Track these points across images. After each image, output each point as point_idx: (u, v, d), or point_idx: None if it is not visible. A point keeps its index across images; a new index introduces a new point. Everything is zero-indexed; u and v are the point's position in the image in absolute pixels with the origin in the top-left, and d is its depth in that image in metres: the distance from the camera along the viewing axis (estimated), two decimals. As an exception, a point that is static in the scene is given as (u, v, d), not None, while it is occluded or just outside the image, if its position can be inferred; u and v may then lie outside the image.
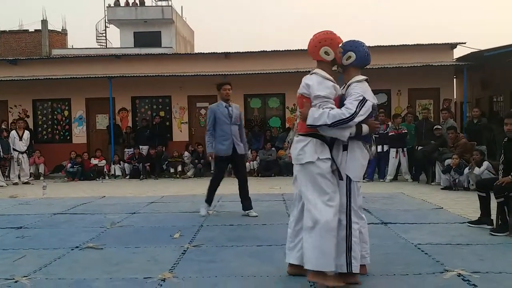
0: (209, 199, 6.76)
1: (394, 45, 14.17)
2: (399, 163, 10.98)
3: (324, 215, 3.41)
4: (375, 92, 13.35)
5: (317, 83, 3.53)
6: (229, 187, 10.23)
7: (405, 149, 10.88)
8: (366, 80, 3.69)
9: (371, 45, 12.83)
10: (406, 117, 11.87)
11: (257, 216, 6.44)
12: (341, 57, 3.68)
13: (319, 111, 3.43)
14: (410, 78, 13.78)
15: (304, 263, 3.50)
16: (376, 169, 11.25)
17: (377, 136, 11.02)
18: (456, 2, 67.77)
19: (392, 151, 10.88)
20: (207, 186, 6.81)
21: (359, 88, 3.56)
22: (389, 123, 11.24)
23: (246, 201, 6.65)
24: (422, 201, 7.70)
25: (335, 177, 3.55)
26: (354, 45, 3.70)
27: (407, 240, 4.93)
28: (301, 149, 3.57)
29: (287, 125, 14.09)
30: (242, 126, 6.89)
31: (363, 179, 11.10)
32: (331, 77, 3.62)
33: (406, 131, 10.86)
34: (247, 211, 6.60)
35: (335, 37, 3.65)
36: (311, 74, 3.65)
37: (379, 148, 10.97)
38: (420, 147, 10.62)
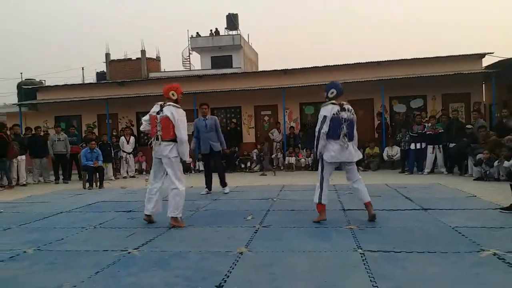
0: (207, 184, 7.90)
1: (429, 57, 13.49)
2: (435, 158, 10.47)
3: None
4: (413, 97, 12.80)
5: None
6: (291, 179, 10.18)
7: (440, 146, 10.36)
8: (332, 103, 4.80)
9: (408, 58, 12.33)
10: (440, 118, 11.27)
11: (228, 192, 7.74)
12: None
13: None
14: (443, 84, 13.05)
15: None
16: (415, 163, 10.78)
17: (416, 135, 10.58)
18: (485, 14, 63.30)
19: (429, 148, 10.40)
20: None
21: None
22: (426, 124, 10.74)
23: (223, 184, 7.87)
24: (457, 190, 7.27)
25: None
26: (335, 85, 4.89)
27: (445, 224, 4.66)
28: None
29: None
30: (218, 131, 7.73)
31: (404, 172, 10.74)
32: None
33: (442, 130, 10.36)
34: (223, 188, 7.84)
35: (179, 87, 5.15)
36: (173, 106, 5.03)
37: (418, 145, 10.54)
38: (452, 144, 10.10)
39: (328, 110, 4.79)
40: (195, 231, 4.79)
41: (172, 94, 5.09)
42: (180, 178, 5.04)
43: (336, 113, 4.76)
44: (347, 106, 4.88)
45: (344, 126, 4.76)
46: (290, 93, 13.71)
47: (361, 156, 5.12)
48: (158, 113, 5.03)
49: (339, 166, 5.01)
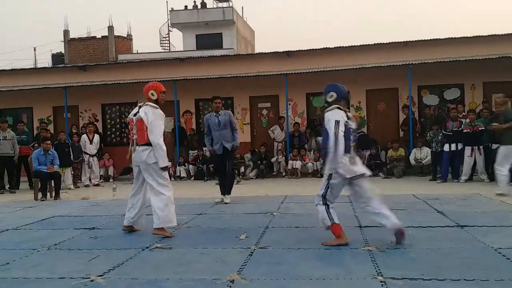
0: (220, 189, 8.42)
1: (467, 37, 13.54)
2: (475, 162, 10.52)
3: None
4: (448, 86, 12.84)
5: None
6: (295, 188, 10.21)
7: (481, 147, 10.40)
8: (338, 107, 4.79)
9: (442, 38, 12.39)
10: (481, 113, 11.31)
11: (228, 203, 8.08)
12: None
13: None
14: (485, 70, 13.10)
15: None
16: (450, 169, 10.82)
17: (450, 133, 10.62)
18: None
19: (467, 150, 10.45)
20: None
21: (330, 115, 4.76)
22: (464, 119, 10.78)
23: (227, 190, 8.30)
24: (501, 203, 7.32)
25: None
26: (334, 87, 4.91)
27: (486, 244, 4.69)
28: None
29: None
30: (233, 128, 8.26)
31: (436, 179, 10.79)
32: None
33: (483, 128, 10.37)
34: (222, 196, 8.25)
35: (159, 85, 5.70)
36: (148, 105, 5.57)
37: (453, 147, 10.58)
38: (495, 145, 10.12)
39: (339, 115, 4.76)
40: (175, 254, 4.79)
41: (152, 94, 5.62)
42: (164, 184, 5.53)
43: (346, 121, 4.80)
44: (349, 114, 4.98)
45: (352, 137, 4.85)
46: (294, 80, 13.73)
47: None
48: (135, 115, 5.57)
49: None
